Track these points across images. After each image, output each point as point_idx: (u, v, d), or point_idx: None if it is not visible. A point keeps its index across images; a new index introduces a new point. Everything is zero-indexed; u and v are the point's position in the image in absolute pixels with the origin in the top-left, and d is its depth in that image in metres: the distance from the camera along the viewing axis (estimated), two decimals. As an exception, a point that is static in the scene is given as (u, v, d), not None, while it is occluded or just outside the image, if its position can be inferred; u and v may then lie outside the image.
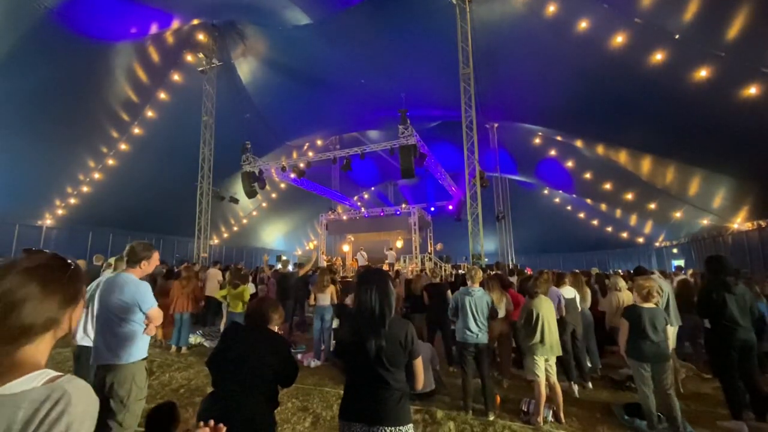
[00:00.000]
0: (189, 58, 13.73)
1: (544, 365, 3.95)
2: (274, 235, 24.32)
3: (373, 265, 12.82)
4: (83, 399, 0.78)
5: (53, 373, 0.80)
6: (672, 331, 4.35)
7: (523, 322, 4.19)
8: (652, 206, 15.94)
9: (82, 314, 3.40)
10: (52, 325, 0.85)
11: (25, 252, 0.88)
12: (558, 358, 4.12)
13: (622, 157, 14.26)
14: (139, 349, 2.68)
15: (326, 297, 6.31)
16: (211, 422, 1.20)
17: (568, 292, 5.19)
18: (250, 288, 6.80)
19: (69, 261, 0.93)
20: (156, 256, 2.91)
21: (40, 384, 0.76)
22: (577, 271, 6.67)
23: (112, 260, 4.47)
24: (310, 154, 18.46)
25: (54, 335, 0.87)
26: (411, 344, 1.99)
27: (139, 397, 2.62)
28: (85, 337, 3.37)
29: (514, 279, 7.33)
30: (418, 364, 2.04)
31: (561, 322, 4.78)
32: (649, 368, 3.61)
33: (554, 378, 3.99)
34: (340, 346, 2.15)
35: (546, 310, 4.06)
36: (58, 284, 0.87)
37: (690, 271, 8.47)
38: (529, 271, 10.99)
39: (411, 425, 1.94)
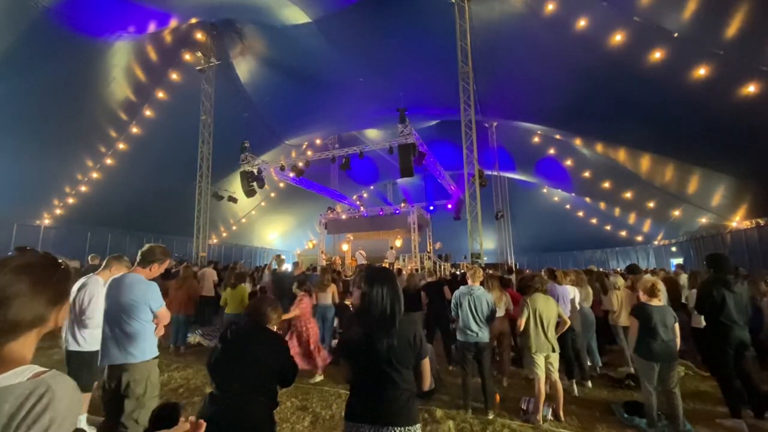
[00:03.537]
0: (187, 57, 13.67)
1: (545, 363, 3.94)
2: (273, 235, 24.32)
3: (372, 264, 12.81)
4: (67, 395, 0.79)
5: (39, 369, 0.82)
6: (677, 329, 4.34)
7: (522, 320, 4.18)
8: (651, 205, 15.96)
9: (67, 318, 3.41)
10: (39, 322, 0.87)
11: (18, 251, 0.89)
12: (560, 356, 4.11)
13: (621, 155, 14.27)
14: (151, 348, 2.71)
15: (327, 296, 6.31)
16: (192, 417, 1.21)
17: (568, 291, 5.16)
18: (247, 287, 6.73)
19: (59, 261, 0.95)
20: (166, 263, 2.97)
21: (26, 379, 0.78)
22: (577, 270, 6.64)
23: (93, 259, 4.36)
24: (309, 153, 18.41)
25: (40, 332, 0.89)
26: (420, 344, 1.96)
27: (153, 395, 2.65)
28: (73, 342, 3.31)
29: (512, 277, 7.30)
30: (426, 364, 2.02)
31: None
32: (658, 367, 3.60)
33: (556, 375, 3.99)
34: (346, 347, 2.09)
35: (544, 307, 4.05)
36: (47, 283, 0.89)
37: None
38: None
39: (419, 425, 1.93)
